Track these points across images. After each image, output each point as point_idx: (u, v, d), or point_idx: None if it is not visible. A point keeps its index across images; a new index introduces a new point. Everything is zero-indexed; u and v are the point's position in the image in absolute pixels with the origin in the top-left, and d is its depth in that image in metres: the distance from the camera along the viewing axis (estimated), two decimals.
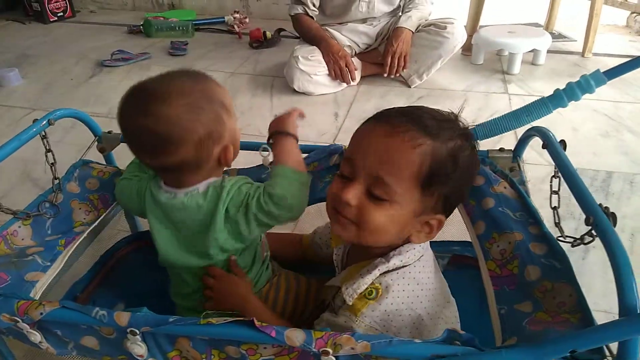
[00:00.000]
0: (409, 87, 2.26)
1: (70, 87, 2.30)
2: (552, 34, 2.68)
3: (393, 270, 0.65)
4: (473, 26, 2.61)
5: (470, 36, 2.55)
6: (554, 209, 0.74)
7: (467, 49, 2.58)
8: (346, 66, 2.17)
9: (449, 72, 2.39)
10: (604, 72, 0.84)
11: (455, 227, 0.94)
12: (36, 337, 0.65)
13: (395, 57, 2.18)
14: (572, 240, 0.66)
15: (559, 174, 0.73)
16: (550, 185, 0.75)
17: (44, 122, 0.85)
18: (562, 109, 2.01)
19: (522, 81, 2.30)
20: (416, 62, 2.23)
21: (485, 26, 2.61)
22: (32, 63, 2.59)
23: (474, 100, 2.14)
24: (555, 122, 1.91)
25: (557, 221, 0.73)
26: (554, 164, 0.75)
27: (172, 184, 0.77)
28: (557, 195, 0.75)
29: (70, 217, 0.86)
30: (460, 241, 1.00)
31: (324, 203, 0.93)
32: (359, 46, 2.32)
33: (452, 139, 0.62)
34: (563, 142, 0.76)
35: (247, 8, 3.32)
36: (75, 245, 0.81)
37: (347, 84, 2.23)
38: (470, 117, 1.85)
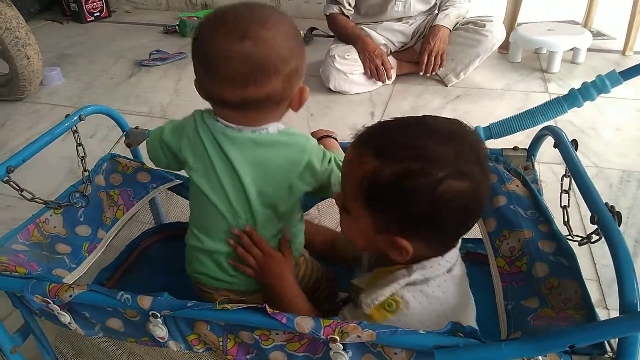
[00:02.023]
0: (446, 85, 2.25)
1: (110, 87, 2.40)
2: (591, 31, 2.60)
3: (414, 284, 0.64)
4: (511, 24, 2.55)
5: (507, 34, 2.51)
6: (564, 207, 0.74)
7: (504, 46, 2.53)
8: (382, 65, 2.17)
9: (486, 70, 2.36)
10: (619, 72, 0.84)
11: None
12: (66, 318, 0.70)
13: (432, 56, 2.16)
14: (579, 239, 0.66)
15: (569, 173, 0.73)
16: (561, 184, 0.75)
17: (75, 117, 0.90)
18: (604, 108, 1.97)
19: (562, 80, 2.25)
20: (453, 61, 2.21)
21: (523, 23, 2.55)
22: (72, 62, 2.71)
23: (513, 100, 2.11)
24: (598, 121, 1.88)
25: (566, 220, 0.73)
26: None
27: (236, 121, 0.71)
28: (567, 194, 0.74)
29: (100, 207, 0.91)
30: (473, 238, 0.99)
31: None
32: (394, 45, 2.31)
33: (402, 163, 0.57)
34: (575, 142, 0.77)
35: (278, 7, 3.36)
36: (97, 255, 0.85)
37: (382, 82, 2.24)
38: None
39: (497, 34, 2.15)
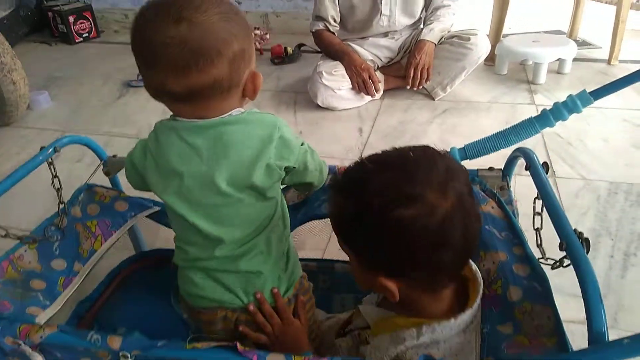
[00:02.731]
0: (433, 99, 2.26)
1: (99, 109, 2.40)
2: (576, 41, 2.62)
3: (423, 346, 0.61)
4: (496, 36, 2.58)
5: (493, 46, 2.53)
6: (537, 230, 0.74)
7: (490, 59, 2.54)
8: (369, 78, 2.18)
9: (472, 83, 2.37)
10: (590, 92, 0.85)
11: None
12: (38, 359, 0.68)
13: (418, 70, 2.18)
14: (552, 262, 0.66)
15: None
16: (534, 207, 0.75)
17: (50, 149, 0.90)
18: (591, 119, 1.98)
19: (548, 91, 2.27)
20: (439, 74, 2.22)
21: (508, 35, 2.57)
22: (60, 85, 2.70)
23: (500, 112, 2.12)
24: (585, 132, 1.88)
25: (539, 243, 0.73)
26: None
27: (193, 115, 0.69)
28: (540, 217, 0.74)
29: (77, 239, 0.90)
30: None
31: (316, 221, 0.99)
32: (381, 60, 2.33)
33: (354, 199, 0.58)
34: (545, 165, 0.77)
35: (267, 24, 3.38)
36: (74, 289, 0.84)
37: (371, 96, 2.25)
38: (498, 129, 1.88)
39: (482, 47, 2.17)
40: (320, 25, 2.27)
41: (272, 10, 3.37)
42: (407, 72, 2.21)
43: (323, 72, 2.17)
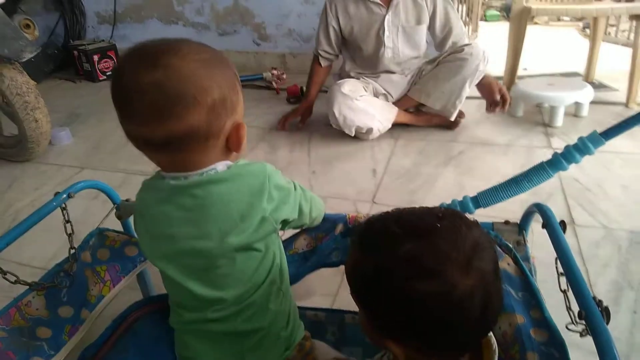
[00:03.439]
0: (451, 129, 2.31)
1: (118, 146, 2.44)
2: (592, 84, 2.61)
3: None
4: (511, 78, 2.59)
5: (507, 88, 2.54)
6: (564, 292, 0.70)
7: None
8: (287, 115, 2.50)
9: (488, 124, 2.37)
10: (601, 133, 0.83)
11: None
12: None
13: (501, 91, 2.26)
14: (581, 329, 0.62)
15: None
16: (556, 267, 0.72)
17: (64, 195, 0.90)
18: (610, 164, 1.94)
19: (565, 134, 2.24)
20: (443, 93, 2.25)
21: (524, 77, 2.58)
22: (82, 122, 2.77)
23: (516, 155, 2.09)
24: (605, 179, 1.84)
25: (568, 305, 0.68)
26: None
27: (175, 168, 0.66)
28: (564, 278, 0.71)
29: (85, 285, 0.90)
30: None
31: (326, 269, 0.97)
32: (392, 96, 2.40)
33: (374, 259, 0.56)
34: (563, 223, 0.74)
35: (284, 64, 3.45)
36: (79, 337, 0.83)
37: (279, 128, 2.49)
38: (514, 172, 1.88)
39: (477, 55, 2.18)
40: (315, 54, 2.46)
41: (289, 51, 3.45)
42: (490, 99, 2.28)
43: (344, 83, 2.24)
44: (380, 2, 2.26)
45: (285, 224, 0.75)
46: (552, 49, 3.82)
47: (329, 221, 0.95)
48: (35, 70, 2.23)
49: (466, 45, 2.24)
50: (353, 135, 2.27)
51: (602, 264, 1.42)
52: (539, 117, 2.44)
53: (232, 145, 0.67)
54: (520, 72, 2.70)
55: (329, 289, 1.31)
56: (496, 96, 2.25)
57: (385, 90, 2.38)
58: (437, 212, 0.58)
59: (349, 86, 2.24)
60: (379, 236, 0.58)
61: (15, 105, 2.03)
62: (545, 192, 1.75)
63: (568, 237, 0.73)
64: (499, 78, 2.71)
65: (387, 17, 2.26)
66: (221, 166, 0.67)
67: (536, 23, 4.64)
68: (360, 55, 2.38)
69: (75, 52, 3.49)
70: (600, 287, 1.32)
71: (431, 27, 2.33)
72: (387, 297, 0.55)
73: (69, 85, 3.51)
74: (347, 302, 1.21)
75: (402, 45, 2.32)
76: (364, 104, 2.22)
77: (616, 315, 1.22)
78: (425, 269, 0.52)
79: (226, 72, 0.65)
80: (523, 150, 2.13)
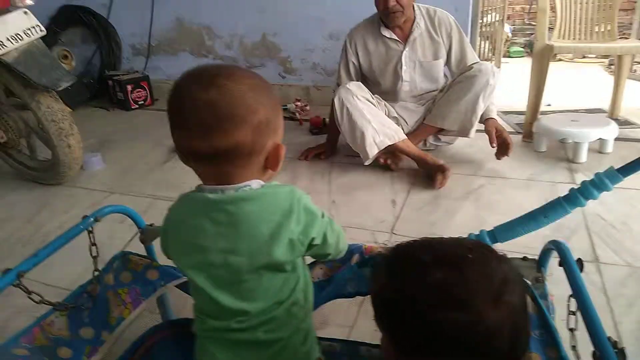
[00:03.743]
0: (469, 174, 2.26)
1: (145, 172, 2.52)
2: (617, 120, 2.59)
3: None
4: (533, 113, 2.59)
5: (530, 124, 2.54)
6: (571, 330, 0.70)
7: (529, 135, 2.55)
8: (309, 150, 2.53)
9: (510, 159, 2.35)
10: (617, 170, 0.82)
11: None
12: None
13: (500, 134, 2.27)
14: None
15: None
16: (568, 305, 0.72)
17: (91, 219, 0.95)
18: (635, 201, 1.91)
19: (589, 170, 2.21)
20: (458, 112, 2.27)
21: (548, 112, 2.57)
22: (114, 148, 2.87)
23: (538, 191, 2.07)
24: (630, 215, 1.82)
25: (573, 344, 0.68)
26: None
27: (215, 180, 0.72)
28: (574, 316, 0.71)
29: (107, 307, 0.93)
30: None
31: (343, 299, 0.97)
32: (407, 123, 2.44)
33: (401, 286, 0.57)
34: (580, 262, 0.73)
35: (308, 96, 3.53)
36: (99, 359, 0.86)
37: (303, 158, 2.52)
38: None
39: (485, 70, 2.20)
40: (335, 87, 2.48)
41: (314, 83, 3.53)
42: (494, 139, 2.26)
43: (351, 83, 2.29)
44: (398, 39, 2.33)
45: (309, 248, 0.77)
46: (576, 85, 3.81)
47: (346, 251, 0.96)
48: (71, 98, 2.34)
49: (474, 63, 2.28)
50: (348, 141, 2.29)
51: (628, 304, 1.38)
52: (563, 152, 2.42)
53: (270, 164, 0.73)
54: (544, 107, 2.70)
55: (346, 319, 1.31)
56: (492, 144, 2.26)
57: (399, 115, 2.43)
58: (467, 244, 0.59)
59: (355, 86, 2.27)
60: (407, 263, 0.59)
61: (50, 131, 2.13)
62: (568, 228, 1.73)
63: (592, 275, 0.72)
64: (522, 113, 2.72)
65: (404, 52, 2.33)
66: (255, 184, 0.72)
67: (561, 59, 4.64)
68: (378, 89, 2.44)
69: (110, 82, 3.65)
70: (625, 327, 1.28)
71: (448, 62, 2.39)
72: (412, 324, 0.55)
73: (102, 113, 3.65)
74: (363, 334, 1.22)
75: (420, 79, 2.38)
76: (363, 105, 2.23)
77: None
78: (454, 299, 0.53)
79: (271, 97, 0.72)
80: (546, 186, 2.11)
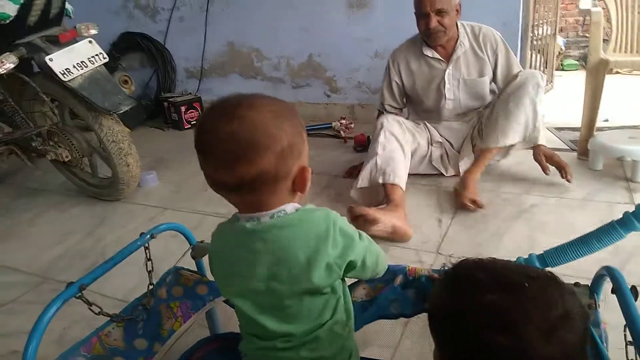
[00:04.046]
0: (521, 193, 2.19)
1: (197, 189, 2.60)
2: None
3: None
4: (589, 130, 2.49)
5: (585, 140, 2.44)
6: None
7: (584, 153, 2.45)
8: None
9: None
10: None
11: None
12: None
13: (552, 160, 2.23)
14: None
15: None
16: (624, 335, 0.68)
17: (148, 236, 1.00)
18: None
19: None
20: (519, 124, 2.18)
21: (604, 129, 2.47)
22: (168, 166, 3.00)
23: (594, 211, 1.98)
24: None
25: None
26: None
27: (249, 208, 0.74)
28: (632, 347, 0.67)
29: (159, 319, 0.97)
30: None
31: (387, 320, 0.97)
32: (450, 143, 2.42)
33: (459, 305, 0.58)
34: (634, 290, 0.70)
35: (353, 114, 3.56)
36: None
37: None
38: (591, 230, 1.78)
39: (531, 75, 2.17)
40: (379, 109, 2.54)
41: (358, 102, 3.56)
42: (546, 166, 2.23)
43: (391, 118, 2.28)
44: (441, 58, 2.31)
45: (347, 270, 0.79)
46: (636, 99, 3.63)
47: (389, 272, 0.97)
48: (130, 119, 2.49)
49: (519, 72, 2.24)
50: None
51: None
52: (621, 171, 2.31)
53: (297, 187, 0.74)
54: (600, 123, 2.59)
55: (389, 340, 1.30)
56: (545, 172, 2.22)
57: (444, 137, 2.41)
58: (530, 271, 0.59)
59: (394, 121, 2.24)
60: (464, 279, 0.60)
61: (111, 151, 2.27)
62: (626, 251, 1.64)
63: None
64: (576, 129, 2.62)
65: (447, 70, 2.31)
66: (290, 208, 0.74)
67: (618, 72, 4.45)
68: (421, 108, 2.45)
69: (165, 103, 3.83)
70: None
71: (494, 78, 2.34)
72: (462, 340, 0.56)
73: (158, 132, 3.83)
74: (407, 356, 1.20)
75: (464, 96, 2.35)
76: (384, 140, 2.17)
77: None
78: (503, 322, 0.53)
79: (293, 121, 0.73)
80: (602, 206, 2.02)
